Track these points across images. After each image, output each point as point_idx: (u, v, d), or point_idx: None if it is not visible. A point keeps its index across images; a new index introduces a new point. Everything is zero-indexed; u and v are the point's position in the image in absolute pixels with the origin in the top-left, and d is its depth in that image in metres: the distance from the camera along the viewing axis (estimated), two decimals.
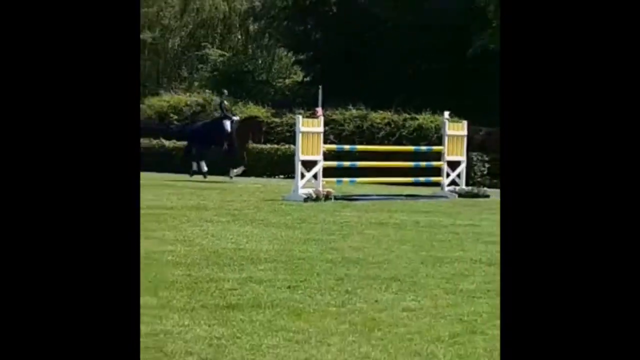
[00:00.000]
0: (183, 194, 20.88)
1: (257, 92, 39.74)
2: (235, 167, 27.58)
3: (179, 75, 48.01)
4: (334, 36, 39.81)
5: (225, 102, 28.64)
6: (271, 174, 29.10)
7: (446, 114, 23.44)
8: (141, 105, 37.11)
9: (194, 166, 27.31)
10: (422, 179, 23.04)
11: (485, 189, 23.75)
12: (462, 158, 23.01)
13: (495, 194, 23.28)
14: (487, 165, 29.60)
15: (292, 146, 27.90)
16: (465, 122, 23.46)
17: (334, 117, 32.00)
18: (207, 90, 39.92)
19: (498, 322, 8.02)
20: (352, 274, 10.17)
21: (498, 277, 10.12)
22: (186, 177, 27.68)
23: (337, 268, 10.55)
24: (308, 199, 19.55)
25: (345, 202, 20.01)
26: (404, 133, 31.35)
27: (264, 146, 31.61)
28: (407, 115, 32.29)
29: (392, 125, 32.16)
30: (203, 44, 46.74)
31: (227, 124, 27.74)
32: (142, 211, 16.56)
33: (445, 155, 22.52)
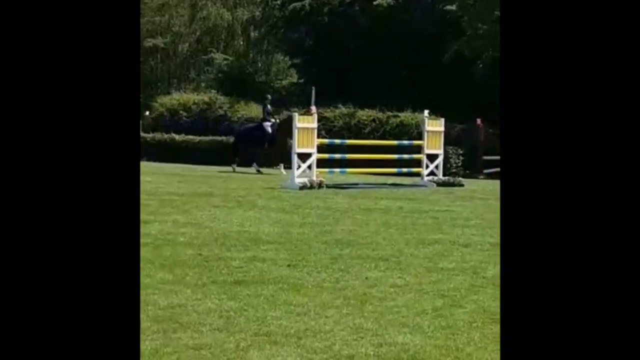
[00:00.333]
0: (192, 183, 20.82)
1: (257, 92, 39.64)
2: (282, 163, 27.30)
3: (187, 77, 47.86)
4: (325, 43, 39.80)
5: (269, 107, 28.47)
6: (271, 165, 29.02)
7: (426, 112, 23.41)
8: (154, 103, 37.07)
9: (255, 166, 26.97)
10: (404, 169, 23.04)
11: (460, 179, 23.72)
12: (440, 151, 22.99)
13: (468, 183, 23.29)
14: (461, 157, 29.58)
15: (289, 140, 27.87)
16: (442, 120, 23.42)
17: (326, 114, 31.93)
18: (212, 90, 39.90)
19: (475, 296, 8.04)
20: (345, 254, 10.14)
21: (474, 257, 10.23)
22: (189, 167, 27.60)
23: (331, 249, 10.51)
24: (303, 187, 19.51)
25: (336, 190, 19.96)
26: (387, 129, 31.34)
27: None
28: (390, 113, 32.32)
29: (377, 122, 32.14)
30: (209, 49, 46.58)
31: (268, 126, 27.68)
32: (157, 197, 16.55)
33: (425, 148, 22.52)
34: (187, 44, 48.56)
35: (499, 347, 6.18)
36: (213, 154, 30.89)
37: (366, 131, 31.49)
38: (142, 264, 6.73)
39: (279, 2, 41.39)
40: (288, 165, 22.95)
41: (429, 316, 7.12)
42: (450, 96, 34.55)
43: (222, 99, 36.94)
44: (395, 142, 24.10)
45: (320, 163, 20.96)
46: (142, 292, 6.74)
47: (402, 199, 18.11)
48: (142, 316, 6.25)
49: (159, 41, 45.51)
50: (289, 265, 9.29)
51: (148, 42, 43.61)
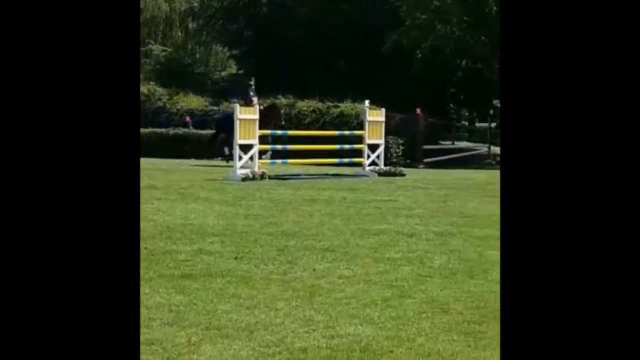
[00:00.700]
0: None
1: (196, 84, 39.44)
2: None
3: None
4: (264, 33, 39.74)
5: (251, 93, 27.75)
6: (211, 157, 28.85)
7: (366, 102, 23.47)
8: None
9: (226, 151, 26.04)
10: (345, 160, 23.07)
11: (401, 168, 23.82)
12: (381, 141, 23.05)
13: (408, 173, 23.40)
14: (401, 147, 29.73)
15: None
16: (383, 110, 23.49)
17: (265, 105, 31.85)
18: (151, 82, 39.58)
19: (423, 286, 8.07)
20: (291, 246, 10.11)
21: (419, 247, 10.27)
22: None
23: (277, 240, 10.48)
24: (246, 178, 19.44)
25: (278, 181, 19.93)
26: (327, 119, 31.37)
27: (202, 132, 31.42)
28: (331, 104, 32.34)
29: (317, 113, 32.15)
30: (147, 40, 46.22)
31: None
32: None
33: (366, 138, 22.56)
34: None
35: (450, 337, 6.25)
36: (153, 146, 30.63)
37: (306, 122, 31.48)
38: None
39: None
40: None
41: (378, 307, 7.13)
42: (390, 86, 34.76)
43: (160, 90, 36.68)
44: (336, 133, 24.12)
45: (262, 154, 20.91)
46: None
47: (345, 189, 18.13)
48: None
49: None
50: (235, 258, 9.24)
51: None
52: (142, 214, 12.72)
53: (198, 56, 45.93)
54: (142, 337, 5.98)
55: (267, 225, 11.86)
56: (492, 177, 23.35)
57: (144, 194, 15.74)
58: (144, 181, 18.86)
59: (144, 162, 26.81)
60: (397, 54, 34.63)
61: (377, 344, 6.02)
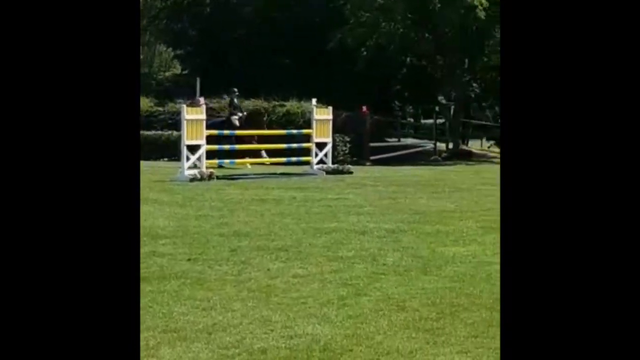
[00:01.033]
0: None
1: (141, 84, 39.19)
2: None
3: None
4: (209, 33, 39.59)
5: (236, 100, 27.24)
6: (157, 158, 28.64)
7: (314, 101, 23.43)
8: None
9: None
10: (293, 158, 23.04)
11: (349, 166, 23.83)
12: (329, 139, 23.03)
13: (356, 170, 23.41)
14: (348, 145, 29.78)
15: (174, 132, 27.56)
16: (330, 108, 23.49)
17: (211, 105, 31.70)
18: None
19: (378, 284, 8.10)
20: (243, 246, 10.08)
21: (372, 244, 10.29)
22: None
23: (230, 241, 10.45)
24: (194, 179, 19.33)
25: (227, 181, 19.84)
26: (273, 118, 31.21)
27: (148, 133, 31.18)
28: (276, 103, 32.24)
29: (263, 112, 32.04)
30: None
31: (236, 120, 26.55)
32: None
33: (314, 137, 22.55)
34: None
35: (408, 334, 6.27)
36: None
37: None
38: None
39: None
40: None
41: (335, 306, 7.14)
42: (335, 84, 34.79)
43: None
44: (284, 132, 24.07)
45: (210, 154, 20.82)
46: None
47: (294, 188, 18.11)
48: None
49: None
50: (189, 260, 9.19)
51: None
52: None
53: (142, 57, 45.62)
54: None
55: (219, 225, 11.82)
56: (439, 174, 23.50)
57: None
58: None
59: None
60: (342, 52, 34.66)
61: (336, 343, 6.03)
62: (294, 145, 22.77)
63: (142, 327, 6.37)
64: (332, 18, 35.10)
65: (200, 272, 8.53)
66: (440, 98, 40.98)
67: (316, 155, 22.60)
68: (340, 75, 35.85)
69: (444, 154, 35.10)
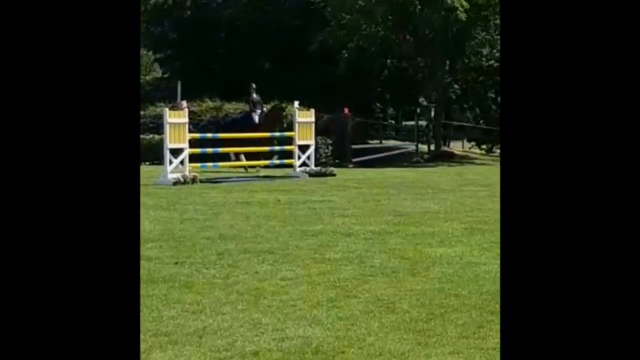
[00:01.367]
0: None
1: None
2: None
3: None
4: (189, 36, 39.56)
5: (255, 96, 26.67)
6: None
7: (296, 103, 23.44)
8: None
9: (232, 157, 24.86)
10: (276, 161, 23.04)
11: (332, 168, 23.82)
12: (311, 142, 23.05)
13: (338, 173, 23.40)
14: (330, 147, 29.81)
15: (156, 136, 27.49)
16: (312, 110, 23.49)
17: (192, 108, 31.64)
18: None
19: (367, 285, 8.10)
20: (230, 249, 10.07)
21: (358, 246, 10.30)
22: None
23: (216, 244, 10.43)
24: (177, 182, 19.29)
25: (210, 184, 19.81)
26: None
27: None
28: None
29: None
30: None
31: (255, 117, 26.15)
32: None
33: (297, 139, 22.55)
34: None
35: (399, 336, 6.28)
36: None
37: None
38: None
39: None
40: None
41: (324, 308, 7.14)
42: (316, 86, 34.81)
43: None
44: (267, 134, 24.06)
45: (193, 158, 20.78)
46: None
47: (278, 190, 18.10)
48: None
49: None
50: (176, 263, 9.18)
51: None
52: None
53: None
54: None
55: (204, 229, 11.80)
56: (421, 175, 23.56)
57: None
58: None
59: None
60: (323, 55, 34.74)
61: (328, 345, 6.03)
62: (277, 147, 22.77)
63: None
64: (313, 20, 35.19)
65: (188, 275, 8.52)
66: (422, 100, 41.12)
67: (299, 157, 22.61)
68: (321, 78, 35.89)
69: (425, 156, 35.19)
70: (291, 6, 37.80)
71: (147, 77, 44.05)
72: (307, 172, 22.27)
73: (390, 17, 34.10)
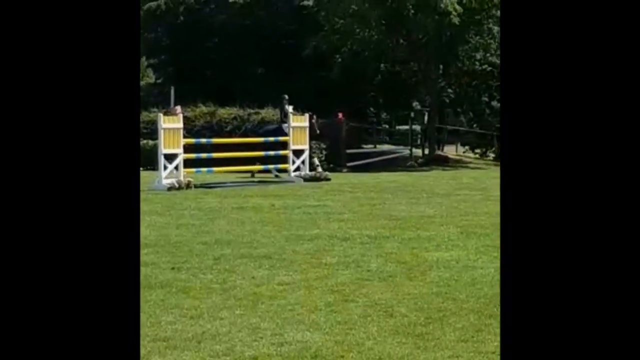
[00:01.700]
0: None
1: None
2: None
3: None
4: (183, 42, 39.55)
5: (287, 107, 26.48)
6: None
7: (290, 108, 23.44)
8: None
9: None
10: (271, 166, 23.02)
11: (326, 173, 23.82)
12: (305, 147, 23.04)
13: (333, 177, 23.40)
14: (324, 152, 29.81)
15: (149, 141, 27.44)
16: (307, 115, 23.49)
17: (186, 114, 31.62)
18: None
19: (365, 290, 8.10)
20: (227, 254, 10.07)
21: (355, 251, 10.31)
22: None
23: (212, 249, 10.43)
24: (171, 188, 19.27)
25: (205, 189, 19.80)
26: (249, 126, 31.24)
27: None
28: (251, 110, 32.26)
29: (238, 120, 32.01)
30: None
31: (286, 128, 25.99)
32: None
33: (291, 144, 22.54)
34: None
35: (398, 339, 6.29)
36: None
37: (228, 129, 31.32)
38: None
39: None
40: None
41: (323, 312, 7.14)
42: (310, 91, 34.81)
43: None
44: (261, 139, 24.03)
45: (187, 163, 20.76)
46: None
47: (272, 195, 18.10)
48: None
49: None
50: (173, 268, 9.17)
51: None
52: None
53: None
54: None
55: (200, 234, 11.79)
56: (416, 180, 23.56)
57: None
58: None
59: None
60: (317, 59, 34.77)
61: (327, 350, 6.03)
62: (271, 152, 22.75)
63: None
64: (307, 25, 35.20)
65: (185, 280, 8.51)
66: (415, 104, 41.12)
67: (293, 162, 22.59)
68: (315, 82, 35.90)
69: (420, 160, 35.20)
70: (284, 11, 37.83)
71: (141, 83, 44.01)
72: (301, 177, 22.26)
73: (383, 22, 34.12)
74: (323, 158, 29.53)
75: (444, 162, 34.44)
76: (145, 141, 29.79)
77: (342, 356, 5.91)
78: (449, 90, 39.95)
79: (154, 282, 8.37)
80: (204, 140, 23.24)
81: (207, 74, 37.94)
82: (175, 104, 28.43)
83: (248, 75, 37.06)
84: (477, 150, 39.84)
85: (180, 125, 20.47)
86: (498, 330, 6.34)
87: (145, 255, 9.95)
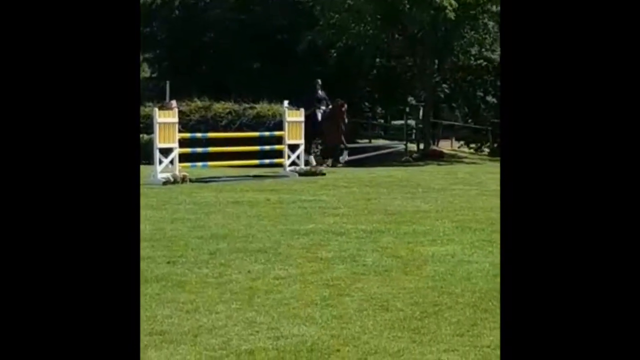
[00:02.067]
0: None
1: None
2: (340, 154, 25.85)
3: None
4: (178, 36, 39.55)
5: (320, 92, 25.77)
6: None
7: (285, 103, 23.41)
8: None
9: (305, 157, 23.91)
10: (266, 161, 23.03)
11: (321, 167, 23.82)
12: (301, 141, 23.04)
13: (328, 172, 23.41)
14: (320, 147, 29.78)
15: (145, 135, 27.43)
16: (302, 110, 23.48)
17: (181, 108, 31.56)
18: None
19: (360, 284, 8.12)
20: (222, 248, 10.07)
21: (351, 245, 10.31)
22: None
23: (208, 243, 10.43)
24: (167, 182, 19.27)
25: (200, 184, 19.79)
26: (244, 121, 31.20)
27: None
28: (247, 105, 32.20)
29: (234, 114, 31.93)
30: None
31: (319, 114, 25.70)
32: None
33: (286, 139, 22.54)
34: None
35: (394, 334, 6.30)
36: None
37: (223, 124, 31.29)
38: None
39: None
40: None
41: (318, 306, 7.15)
42: (305, 85, 34.81)
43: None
44: (257, 134, 24.04)
45: (183, 157, 20.76)
46: None
47: (268, 190, 18.10)
48: None
49: None
50: (168, 262, 9.17)
51: None
52: None
53: None
54: None
55: (196, 228, 11.79)
56: (411, 174, 23.56)
57: None
58: None
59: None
60: (312, 54, 34.77)
61: (322, 344, 6.04)
62: (267, 147, 22.74)
63: None
64: (302, 19, 35.21)
65: (181, 274, 8.52)
66: (410, 99, 41.16)
67: (288, 157, 22.60)
68: (310, 77, 35.85)
69: (415, 155, 35.23)
70: (280, 5, 37.81)
71: None
72: (296, 172, 22.25)
73: (379, 16, 34.14)
74: (318, 152, 29.52)
75: (439, 157, 34.47)
76: (140, 135, 29.87)
77: (338, 350, 5.92)
78: (444, 85, 40.00)
79: (149, 276, 8.37)
80: (199, 134, 23.22)
81: (202, 69, 37.96)
82: (171, 98, 28.38)
83: (243, 69, 37.04)
84: (472, 145, 39.91)
85: (176, 119, 20.46)
86: (493, 324, 6.37)
87: (141, 249, 9.94)
